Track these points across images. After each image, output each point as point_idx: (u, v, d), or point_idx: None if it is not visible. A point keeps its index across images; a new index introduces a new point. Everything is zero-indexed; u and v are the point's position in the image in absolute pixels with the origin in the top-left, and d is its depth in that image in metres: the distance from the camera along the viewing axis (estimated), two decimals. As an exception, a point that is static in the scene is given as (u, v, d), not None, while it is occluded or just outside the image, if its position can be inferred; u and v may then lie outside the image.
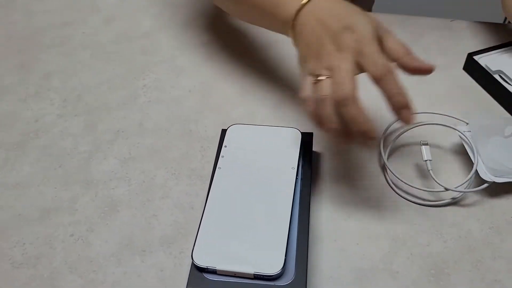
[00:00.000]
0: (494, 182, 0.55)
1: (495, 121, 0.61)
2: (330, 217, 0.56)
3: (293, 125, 0.60)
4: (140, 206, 0.57)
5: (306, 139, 0.60)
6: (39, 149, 0.64)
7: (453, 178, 0.59)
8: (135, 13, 0.84)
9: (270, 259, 0.47)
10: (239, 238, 0.49)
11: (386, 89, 0.47)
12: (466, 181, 0.56)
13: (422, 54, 0.74)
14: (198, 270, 0.48)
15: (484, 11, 1.96)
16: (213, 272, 0.47)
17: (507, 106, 0.66)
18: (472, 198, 0.57)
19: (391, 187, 0.58)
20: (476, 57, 0.71)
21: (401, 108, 0.48)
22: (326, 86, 0.47)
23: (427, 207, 0.56)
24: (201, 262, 0.47)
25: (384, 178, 0.59)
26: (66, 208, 0.57)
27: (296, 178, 0.55)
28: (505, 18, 1.97)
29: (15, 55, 0.77)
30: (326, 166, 0.61)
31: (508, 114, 0.66)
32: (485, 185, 0.56)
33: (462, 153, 0.61)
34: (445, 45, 0.76)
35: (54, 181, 0.60)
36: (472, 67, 0.71)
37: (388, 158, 0.61)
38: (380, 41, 0.49)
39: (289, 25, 0.52)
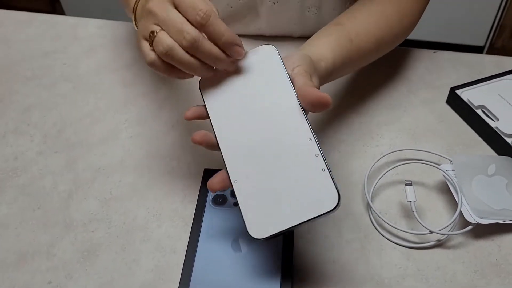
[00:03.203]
0: (478, 223, 0.55)
1: (478, 159, 0.61)
2: (315, 260, 0.55)
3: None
4: (120, 250, 0.56)
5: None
6: (18, 188, 0.62)
7: (438, 218, 0.59)
8: (117, 42, 0.83)
9: (322, 196, 0.43)
10: (279, 192, 0.44)
11: (210, 33, 0.45)
12: (450, 223, 0.56)
13: (406, 86, 0.75)
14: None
15: (465, 35, 1.99)
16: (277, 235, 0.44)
17: (490, 142, 0.66)
18: (457, 239, 0.57)
19: (376, 228, 0.58)
20: (458, 92, 0.71)
21: (231, 46, 0.46)
22: (165, 38, 0.45)
23: (412, 249, 0.56)
24: (260, 235, 0.43)
25: (368, 218, 0.59)
26: (44, 253, 0.56)
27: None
28: (486, 41, 1.99)
29: (-6, 87, 0.76)
30: (310, 205, 0.60)
31: (491, 151, 0.66)
32: (470, 227, 0.55)
33: (447, 192, 0.61)
34: (428, 78, 0.76)
35: (32, 223, 0.59)
36: (455, 102, 0.71)
37: (372, 198, 0.60)
38: None
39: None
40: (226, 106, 0.49)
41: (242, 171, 0.46)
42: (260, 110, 0.48)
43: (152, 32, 0.46)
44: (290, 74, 0.49)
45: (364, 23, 0.63)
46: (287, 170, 0.45)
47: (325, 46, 0.58)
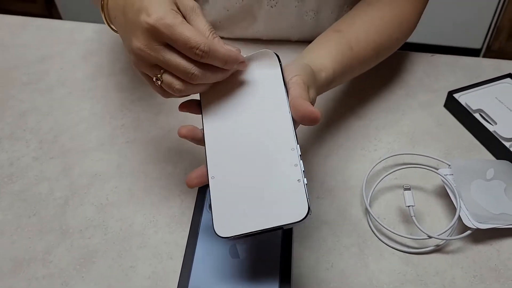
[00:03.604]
0: (477, 228, 0.55)
1: (476, 164, 0.61)
2: (313, 266, 0.55)
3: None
4: (117, 257, 0.56)
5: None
6: (13, 194, 0.62)
7: (436, 223, 0.58)
8: (114, 47, 0.82)
9: (292, 206, 0.43)
10: (252, 195, 0.44)
11: (213, 62, 0.45)
12: (449, 228, 0.55)
13: (404, 90, 0.74)
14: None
15: (462, 36, 1.99)
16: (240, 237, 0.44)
17: (488, 146, 0.66)
18: (456, 244, 0.56)
19: (374, 233, 0.57)
20: (456, 95, 0.71)
21: (233, 65, 0.47)
22: (173, 81, 0.46)
23: (410, 254, 0.56)
24: (225, 234, 0.43)
25: (367, 223, 0.59)
26: (40, 260, 0.55)
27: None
28: (483, 43, 2.00)
29: (-11, 92, 0.75)
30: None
31: (489, 155, 0.66)
32: (468, 232, 0.55)
33: (445, 196, 0.60)
34: (426, 81, 0.76)
35: (28, 230, 0.58)
36: (452, 105, 0.71)
37: (370, 202, 0.60)
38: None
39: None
40: (219, 105, 0.49)
41: (221, 169, 0.46)
42: (250, 114, 0.48)
43: (156, 75, 0.46)
44: (287, 83, 0.49)
45: (363, 29, 0.62)
46: (264, 176, 0.45)
47: (325, 55, 0.57)
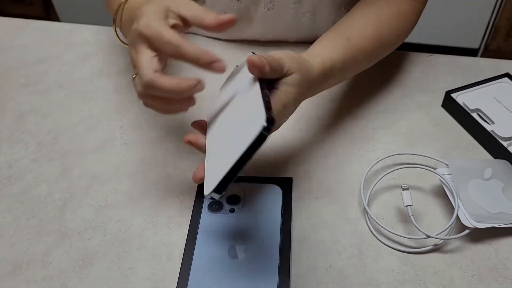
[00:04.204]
0: (475, 227, 0.55)
1: (474, 163, 0.61)
2: (312, 267, 0.55)
3: (270, 169, 0.60)
4: (116, 258, 0.56)
5: (286, 185, 0.59)
6: (12, 197, 0.62)
7: (434, 222, 0.59)
8: (112, 49, 0.82)
9: (252, 125, 0.44)
10: (225, 153, 0.47)
11: (187, 58, 0.48)
12: (447, 227, 0.56)
13: (402, 90, 0.75)
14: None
15: (460, 37, 2.00)
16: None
17: (486, 146, 0.66)
18: (454, 244, 0.57)
19: (372, 233, 0.58)
20: (454, 95, 0.71)
21: (211, 64, 0.48)
22: (137, 82, 0.50)
23: (409, 254, 0.56)
24: (208, 191, 0.45)
25: (365, 223, 0.59)
26: (39, 262, 0.56)
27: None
28: (481, 43, 2.00)
29: (-12, 95, 0.75)
30: (306, 212, 0.60)
31: (487, 154, 0.66)
32: (467, 231, 0.55)
33: (443, 196, 0.61)
34: (424, 81, 0.76)
35: (27, 232, 0.58)
36: (450, 105, 0.71)
37: (369, 203, 0.60)
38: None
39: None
40: (215, 109, 0.54)
41: (211, 153, 0.50)
42: (234, 107, 0.51)
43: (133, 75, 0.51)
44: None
45: (360, 23, 0.63)
46: (235, 136, 0.47)
47: (321, 46, 0.59)
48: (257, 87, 0.48)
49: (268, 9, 0.75)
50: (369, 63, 0.66)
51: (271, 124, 0.43)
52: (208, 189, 0.46)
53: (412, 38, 0.73)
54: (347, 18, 0.65)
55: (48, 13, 2.23)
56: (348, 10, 0.68)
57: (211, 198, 0.46)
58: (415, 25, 0.68)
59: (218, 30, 0.48)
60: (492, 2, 1.87)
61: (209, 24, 0.48)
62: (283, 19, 0.77)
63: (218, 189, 0.45)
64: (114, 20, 0.59)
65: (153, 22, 0.48)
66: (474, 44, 2.02)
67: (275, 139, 0.67)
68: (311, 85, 0.55)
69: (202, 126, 0.54)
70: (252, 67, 0.48)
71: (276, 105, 0.50)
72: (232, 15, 0.48)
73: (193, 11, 0.49)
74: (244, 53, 0.51)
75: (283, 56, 0.52)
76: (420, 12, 0.68)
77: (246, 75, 0.51)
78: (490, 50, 2.00)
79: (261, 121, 0.43)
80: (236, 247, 0.54)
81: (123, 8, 0.58)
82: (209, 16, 0.48)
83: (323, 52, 0.58)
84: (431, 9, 0.80)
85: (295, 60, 0.53)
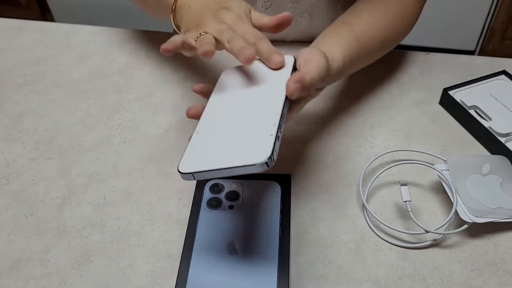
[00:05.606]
0: (474, 222, 0.55)
1: (472, 159, 0.61)
2: (311, 262, 0.55)
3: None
4: (115, 255, 0.56)
5: (285, 181, 0.59)
6: (10, 195, 0.62)
7: (433, 217, 0.59)
8: (109, 49, 0.83)
9: (255, 153, 0.43)
10: (224, 144, 0.46)
11: (260, 51, 0.52)
12: (446, 222, 0.56)
13: (399, 88, 0.75)
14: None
15: (457, 38, 2.01)
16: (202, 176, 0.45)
17: (484, 142, 0.66)
18: (453, 239, 0.57)
19: (371, 229, 0.58)
20: (451, 92, 0.71)
21: (271, 60, 0.52)
22: (210, 37, 0.51)
23: (408, 249, 0.56)
24: (185, 170, 0.45)
25: (364, 219, 0.59)
26: (38, 259, 0.55)
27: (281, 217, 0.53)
28: (476, 45, 2.01)
29: (-15, 94, 0.75)
30: (305, 208, 0.60)
31: (484, 150, 0.66)
32: (465, 226, 0.55)
33: (442, 191, 0.61)
34: (421, 79, 0.76)
35: (25, 230, 0.58)
36: (447, 102, 0.71)
37: (367, 199, 0.60)
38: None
39: (170, 9, 0.58)
40: (229, 87, 0.54)
41: (207, 127, 0.49)
42: (251, 93, 0.51)
43: (204, 32, 0.51)
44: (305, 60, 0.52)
45: (369, 22, 0.64)
46: (241, 130, 0.47)
47: (335, 47, 0.59)
48: (282, 96, 0.49)
49: (266, 8, 0.76)
50: (372, 61, 0.67)
51: (268, 165, 0.43)
52: (185, 166, 0.45)
53: (408, 40, 0.73)
54: (358, 12, 0.65)
55: (45, 17, 2.23)
56: (344, 6, 0.68)
57: (179, 171, 0.45)
58: (417, 20, 0.69)
59: (277, 29, 0.55)
60: (487, 5, 1.88)
61: (268, 23, 0.54)
62: None
63: (196, 177, 0.44)
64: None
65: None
66: (470, 46, 2.03)
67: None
68: None
69: (205, 93, 0.54)
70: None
71: None
72: (288, 13, 0.52)
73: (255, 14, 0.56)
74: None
75: (315, 75, 0.52)
76: (422, 7, 0.69)
77: (280, 76, 0.52)
78: (485, 52, 2.01)
79: (262, 158, 0.43)
80: (235, 243, 0.54)
81: None
82: (266, 17, 0.54)
83: (336, 54, 0.58)
84: (427, 11, 0.81)
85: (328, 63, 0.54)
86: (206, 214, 0.57)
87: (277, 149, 0.44)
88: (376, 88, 0.75)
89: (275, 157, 0.43)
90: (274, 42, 0.82)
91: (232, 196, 0.58)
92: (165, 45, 0.48)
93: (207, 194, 0.58)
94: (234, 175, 0.43)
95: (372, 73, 0.76)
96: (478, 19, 1.93)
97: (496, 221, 0.56)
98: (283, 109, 0.48)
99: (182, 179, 0.45)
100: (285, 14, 0.53)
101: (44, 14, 2.23)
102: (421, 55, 0.81)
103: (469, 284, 0.53)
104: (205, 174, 0.44)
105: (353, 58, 0.61)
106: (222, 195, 0.58)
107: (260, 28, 0.54)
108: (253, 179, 0.60)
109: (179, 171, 0.45)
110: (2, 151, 0.67)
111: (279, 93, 0.49)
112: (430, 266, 0.54)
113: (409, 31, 0.69)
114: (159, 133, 0.69)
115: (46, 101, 0.74)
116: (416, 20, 0.69)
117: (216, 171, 0.43)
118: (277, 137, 0.45)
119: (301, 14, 0.77)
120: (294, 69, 0.52)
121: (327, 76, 0.54)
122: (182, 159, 0.46)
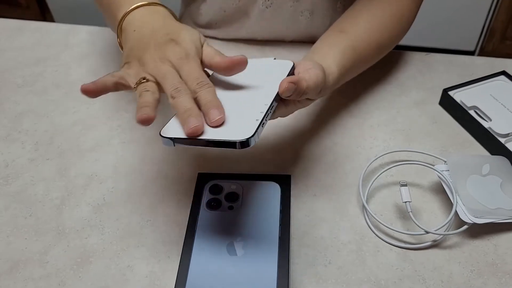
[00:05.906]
0: (474, 223, 0.55)
1: (472, 159, 0.61)
2: (311, 263, 0.55)
3: (268, 167, 0.59)
4: (114, 256, 0.55)
5: (285, 182, 0.59)
6: (9, 196, 0.62)
7: (433, 218, 0.59)
8: (109, 49, 0.82)
9: (238, 132, 0.44)
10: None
11: (199, 99, 0.47)
12: (446, 223, 0.56)
13: (399, 88, 0.75)
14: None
15: (457, 39, 2.01)
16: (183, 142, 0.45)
17: (484, 142, 0.66)
18: (453, 239, 0.57)
19: (371, 230, 0.57)
20: (451, 93, 0.71)
21: (209, 111, 0.46)
22: (152, 86, 0.48)
23: (408, 250, 0.56)
24: (166, 134, 0.46)
25: (364, 220, 0.59)
26: (37, 260, 0.55)
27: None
28: (476, 45, 2.01)
29: (-16, 95, 0.75)
30: (305, 209, 0.60)
31: (484, 151, 0.66)
32: (465, 226, 0.55)
33: (442, 192, 0.61)
34: (421, 79, 0.76)
35: (24, 231, 0.58)
36: (447, 103, 0.71)
37: (367, 199, 0.60)
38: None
39: (118, 26, 0.55)
40: (223, 78, 0.53)
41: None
42: (242, 88, 0.51)
43: (143, 78, 0.48)
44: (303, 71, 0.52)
45: (365, 29, 0.63)
46: (229, 111, 0.47)
47: (331, 58, 0.59)
48: (274, 91, 0.49)
49: (266, 7, 0.75)
50: (368, 66, 0.67)
51: (246, 145, 0.43)
52: (167, 131, 0.46)
53: (408, 41, 0.73)
54: (354, 19, 0.64)
55: (45, 17, 2.23)
56: (344, 4, 0.68)
57: (160, 135, 0.46)
58: (413, 21, 0.69)
59: (228, 71, 0.49)
60: (487, 4, 1.88)
61: (219, 63, 0.49)
62: (281, 17, 0.77)
63: (176, 143, 0.45)
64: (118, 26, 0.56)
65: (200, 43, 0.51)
66: (470, 46, 2.03)
67: (273, 136, 0.67)
68: None
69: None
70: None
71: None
72: (243, 56, 0.48)
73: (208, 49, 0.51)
74: (242, 52, 0.51)
75: (311, 83, 0.52)
76: (418, 7, 0.68)
77: (276, 71, 0.52)
78: (485, 52, 2.01)
79: (244, 135, 0.43)
80: (235, 244, 0.54)
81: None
82: (218, 55, 0.49)
83: (332, 66, 0.58)
84: (427, 12, 0.81)
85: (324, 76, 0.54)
86: (205, 215, 0.57)
87: (259, 134, 0.45)
88: (376, 89, 0.75)
89: (256, 139, 0.44)
90: (274, 42, 0.82)
91: (232, 197, 0.58)
92: (88, 86, 0.48)
93: (206, 195, 0.58)
94: (212, 147, 0.44)
95: (372, 73, 0.75)
96: (478, 19, 1.93)
97: (496, 221, 0.55)
98: (272, 102, 0.48)
99: (163, 144, 0.46)
100: (239, 57, 0.48)
101: (44, 14, 2.22)
102: (421, 55, 0.81)
103: (469, 285, 0.53)
104: (184, 142, 0.45)
105: (349, 68, 0.61)
106: (221, 196, 0.58)
107: (210, 66, 0.50)
108: (253, 180, 0.59)
109: (160, 135, 0.46)
110: (1, 152, 0.67)
111: (271, 89, 0.50)
112: (430, 267, 0.54)
113: (406, 32, 0.69)
114: (159, 134, 0.68)
115: (46, 101, 0.74)
116: (413, 21, 0.68)
117: (196, 140, 0.44)
118: (261, 123, 0.45)
119: (302, 13, 0.77)
120: (292, 74, 0.52)
121: (322, 89, 0.54)
122: (166, 125, 0.47)
